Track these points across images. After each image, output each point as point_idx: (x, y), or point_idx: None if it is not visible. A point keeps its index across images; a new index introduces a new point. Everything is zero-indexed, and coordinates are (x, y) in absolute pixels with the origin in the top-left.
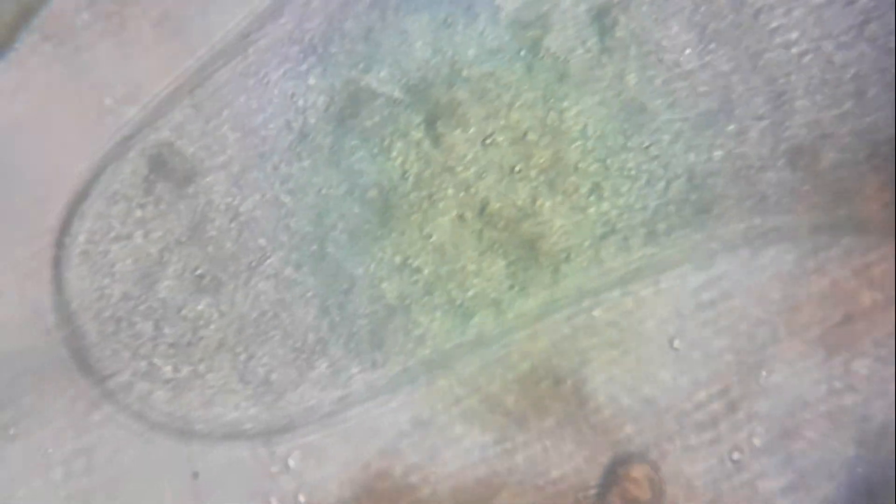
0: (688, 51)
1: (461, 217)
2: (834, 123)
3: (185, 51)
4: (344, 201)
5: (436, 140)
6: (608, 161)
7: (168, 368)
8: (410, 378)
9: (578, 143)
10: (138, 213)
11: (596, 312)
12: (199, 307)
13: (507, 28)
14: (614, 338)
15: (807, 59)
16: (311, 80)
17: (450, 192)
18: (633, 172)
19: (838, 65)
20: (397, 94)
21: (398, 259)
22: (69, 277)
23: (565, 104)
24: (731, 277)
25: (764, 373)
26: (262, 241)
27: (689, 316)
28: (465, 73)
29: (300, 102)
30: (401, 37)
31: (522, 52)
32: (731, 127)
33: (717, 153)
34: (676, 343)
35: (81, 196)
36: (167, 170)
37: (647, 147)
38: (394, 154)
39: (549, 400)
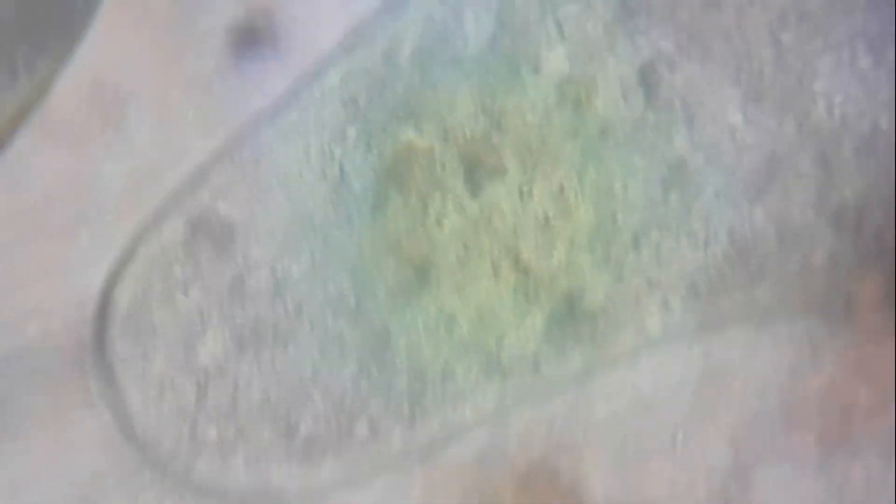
0: (731, 109)
1: (498, 271)
2: (881, 187)
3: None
4: (382, 256)
5: (474, 193)
6: (648, 216)
7: (212, 431)
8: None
9: (619, 197)
10: (179, 275)
11: (598, 404)
12: (242, 367)
13: (552, 85)
14: (616, 432)
15: (853, 122)
16: (351, 135)
17: (487, 244)
18: (672, 228)
19: (885, 129)
20: (437, 147)
21: (436, 314)
22: (112, 340)
23: (607, 159)
24: (735, 364)
25: (762, 471)
26: (300, 300)
27: (691, 408)
28: (505, 124)
29: (340, 159)
30: (443, 92)
31: (566, 108)
32: (775, 186)
33: (760, 212)
34: (679, 436)
35: (123, 260)
36: (207, 232)
37: (688, 203)
38: (432, 207)
39: (547, 497)
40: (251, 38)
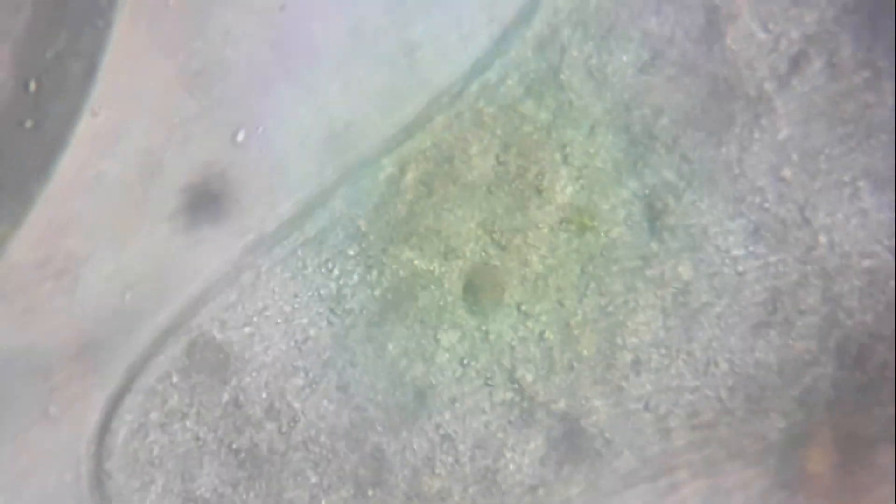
0: (734, 241)
1: (496, 390)
2: (883, 323)
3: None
4: (379, 376)
5: (474, 311)
6: (649, 341)
7: None
8: None
9: (620, 320)
10: (176, 403)
11: None
12: (240, 494)
13: (556, 209)
14: None
15: (855, 258)
16: (350, 255)
17: (483, 361)
18: (672, 352)
19: (886, 266)
20: (438, 267)
21: (433, 435)
22: (110, 472)
23: (609, 283)
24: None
25: None
26: (296, 421)
27: None
28: (507, 246)
29: (338, 278)
30: (446, 214)
31: (569, 232)
32: (778, 318)
33: (761, 343)
34: None
35: (121, 393)
36: (204, 359)
37: (689, 330)
38: (438, 333)
39: None
40: (206, 201)
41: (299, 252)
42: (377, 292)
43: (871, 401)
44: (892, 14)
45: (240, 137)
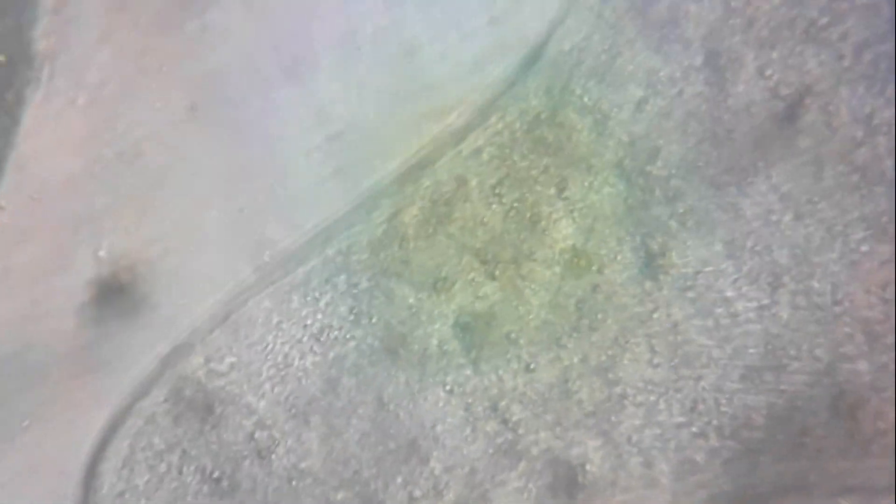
0: (727, 282)
1: (484, 424)
2: (882, 378)
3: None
4: (371, 417)
5: (466, 345)
6: (637, 377)
7: None
8: None
9: (612, 357)
10: (162, 449)
11: None
12: None
13: (556, 253)
14: None
15: (851, 306)
16: (340, 287)
17: (474, 395)
18: (662, 391)
19: (884, 314)
20: (432, 306)
21: (427, 482)
22: None
23: (602, 320)
24: None
25: None
26: (287, 465)
27: None
28: (499, 275)
29: (324, 309)
30: (445, 254)
31: (568, 277)
32: (771, 363)
33: (753, 388)
34: None
35: (106, 441)
36: (191, 404)
37: (678, 368)
38: (429, 368)
39: None
40: (114, 295)
41: (287, 288)
42: (368, 327)
43: (863, 451)
44: (891, 70)
45: (149, 230)
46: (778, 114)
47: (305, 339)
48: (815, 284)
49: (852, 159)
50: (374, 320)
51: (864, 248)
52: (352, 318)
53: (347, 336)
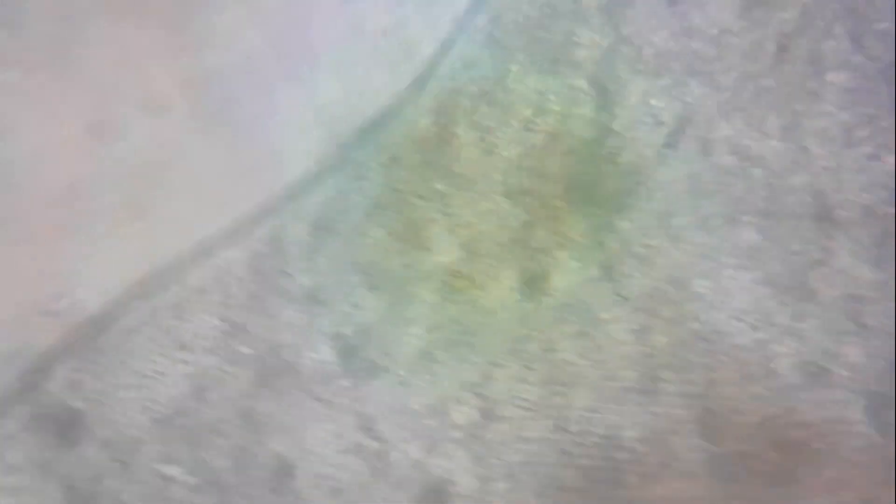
0: (604, 306)
1: (357, 445)
2: (750, 404)
3: None
4: (240, 446)
5: (352, 383)
6: (510, 395)
7: None
8: None
9: (485, 373)
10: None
11: None
12: None
13: (437, 270)
14: None
15: (727, 332)
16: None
17: (346, 418)
18: (533, 410)
19: (756, 348)
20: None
21: (292, 495)
22: None
23: (486, 353)
24: None
25: None
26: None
27: None
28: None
29: (202, 345)
30: (322, 265)
31: (448, 294)
32: (648, 389)
33: (626, 407)
34: None
35: None
36: (49, 428)
37: (551, 385)
38: (306, 395)
39: None
40: None
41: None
42: (241, 338)
43: (730, 475)
44: (769, 104)
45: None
46: (659, 141)
47: (172, 347)
48: (691, 309)
49: (723, 191)
50: (248, 329)
51: (736, 275)
52: (225, 328)
53: (217, 347)
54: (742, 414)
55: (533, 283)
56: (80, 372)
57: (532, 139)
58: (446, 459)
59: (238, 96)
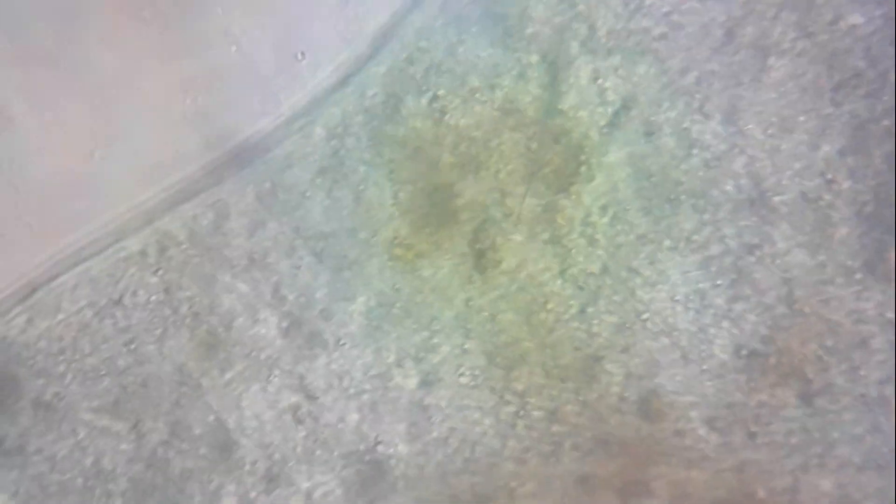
0: (549, 283)
1: (298, 422)
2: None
3: None
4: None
5: (294, 355)
6: (458, 378)
7: None
8: None
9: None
10: None
11: None
12: None
13: (387, 257)
14: None
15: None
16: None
17: (287, 391)
18: (474, 376)
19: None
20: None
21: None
22: None
23: (429, 323)
24: None
25: None
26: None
27: None
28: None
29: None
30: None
31: (401, 281)
32: (589, 368)
33: (571, 391)
34: None
35: None
36: None
37: (491, 360)
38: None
39: None
40: None
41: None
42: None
43: (665, 454)
44: (712, 88)
45: None
46: (601, 120)
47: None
48: (633, 290)
49: (669, 172)
50: (187, 292)
51: (672, 258)
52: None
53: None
54: (679, 394)
55: (480, 256)
56: (12, 329)
57: (481, 111)
58: (385, 425)
59: None
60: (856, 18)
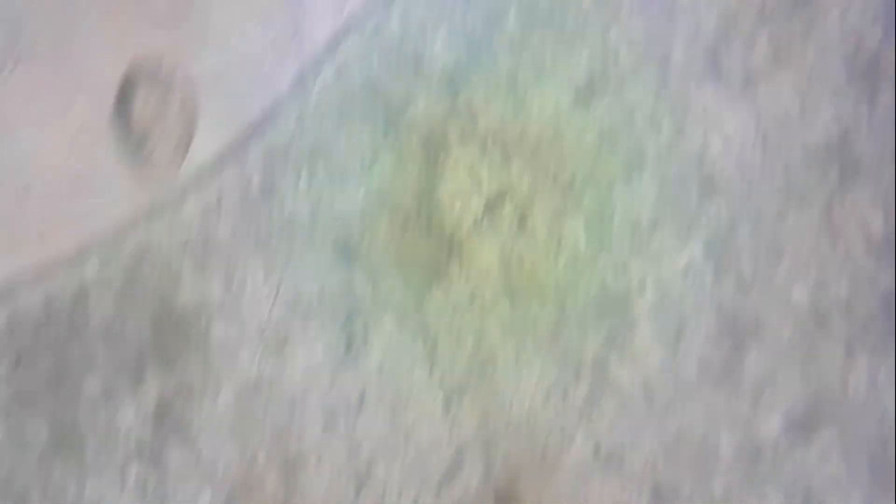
0: (420, 374)
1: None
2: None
3: None
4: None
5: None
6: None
7: None
8: None
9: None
10: None
11: None
12: None
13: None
14: None
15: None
16: None
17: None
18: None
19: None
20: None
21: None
22: None
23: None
24: None
25: None
26: None
27: None
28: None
29: None
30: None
31: (271, 371)
32: (450, 472)
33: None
34: None
35: None
36: None
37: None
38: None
39: None
40: None
41: None
42: None
43: None
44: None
45: None
46: (478, 213)
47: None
48: (496, 389)
49: (536, 269)
50: None
51: (533, 357)
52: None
53: None
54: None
55: (352, 344)
56: None
57: (360, 196)
58: None
59: None
60: None
